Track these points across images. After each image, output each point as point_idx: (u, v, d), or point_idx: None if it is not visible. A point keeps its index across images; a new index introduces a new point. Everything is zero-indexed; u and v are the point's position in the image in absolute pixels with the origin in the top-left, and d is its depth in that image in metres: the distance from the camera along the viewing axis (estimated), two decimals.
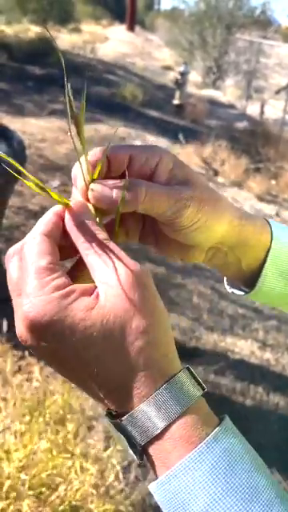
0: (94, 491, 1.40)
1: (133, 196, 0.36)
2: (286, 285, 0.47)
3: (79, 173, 0.37)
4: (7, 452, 1.28)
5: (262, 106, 7.59)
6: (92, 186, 0.37)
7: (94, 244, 0.34)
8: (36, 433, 1.45)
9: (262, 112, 7.56)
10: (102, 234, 0.35)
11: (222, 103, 9.60)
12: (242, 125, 7.28)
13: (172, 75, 9.50)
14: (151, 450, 0.32)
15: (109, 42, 14.11)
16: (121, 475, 1.56)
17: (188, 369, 0.34)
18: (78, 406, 1.74)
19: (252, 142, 6.02)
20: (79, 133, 0.37)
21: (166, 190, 0.38)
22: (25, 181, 0.37)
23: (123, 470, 1.59)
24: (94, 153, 0.37)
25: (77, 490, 1.33)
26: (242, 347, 2.48)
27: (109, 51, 12.02)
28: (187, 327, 2.51)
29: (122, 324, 0.32)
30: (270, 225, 0.46)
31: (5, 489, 1.21)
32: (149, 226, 0.44)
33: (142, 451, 0.32)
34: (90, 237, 0.34)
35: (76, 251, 0.36)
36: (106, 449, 1.63)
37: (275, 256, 0.45)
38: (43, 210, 3.36)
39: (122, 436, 0.33)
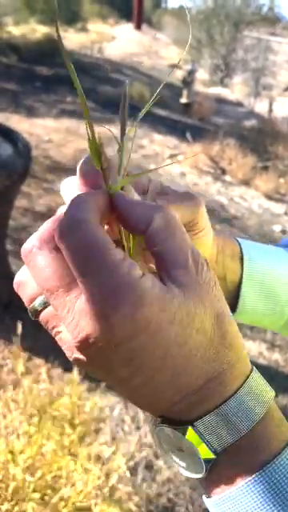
0: (99, 492, 1.40)
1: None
2: (269, 302, 0.46)
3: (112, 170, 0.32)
4: (13, 453, 1.29)
5: (271, 104, 7.54)
6: (126, 188, 0.33)
7: (167, 223, 0.29)
8: (42, 434, 1.45)
9: (270, 110, 7.50)
10: (170, 211, 0.30)
11: (229, 101, 9.54)
12: (250, 123, 7.24)
13: (179, 73, 9.46)
14: (223, 459, 0.29)
15: (116, 41, 14.10)
16: (128, 476, 1.56)
17: (253, 366, 0.32)
18: (86, 408, 1.75)
19: (260, 140, 5.98)
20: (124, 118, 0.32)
21: (179, 194, 0.37)
22: (91, 140, 0.31)
23: (130, 472, 1.59)
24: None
25: (81, 492, 1.33)
26: (250, 348, 2.47)
27: (116, 50, 12.01)
28: None
29: (211, 314, 0.29)
30: (235, 238, 0.47)
31: (10, 490, 1.22)
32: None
33: (213, 460, 0.29)
34: (162, 215, 0.29)
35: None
36: (112, 451, 1.63)
37: (250, 271, 0.45)
38: (50, 211, 3.37)
39: (191, 443, 0.29)
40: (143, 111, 0.33)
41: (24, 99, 6.36)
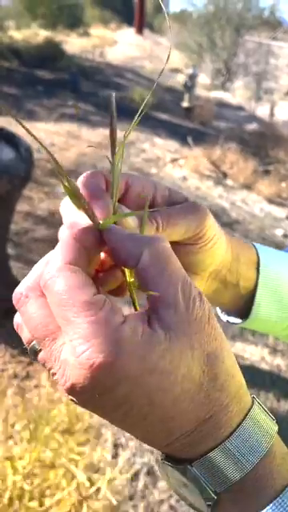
0: (99, 499, 1.39)
1: (153, 225, 0.34)
2: (279, 309, 0.46)
3: (101, 193, 0.33)
4: (11, 459, 1.28)
5: (272, 108, 7.54)
6: (118, 205, 0.33)
7: (155, 258, 0.29)
8: (41, 441, 1.44)
9: (271, 114, 7.51)
10: (161, 242, 0.30)
11: (231, 105, 9.56)
12: (251, 127, 7.24)
13: (181, 78, 9.48)
14: (226, 497, 0.28)
15: (118, 45, 14.15)
16: (129, 483, 1.55)
17: (254, 397, 0.31)
18: (87, 415, 1.73)
19: (262, 144, 5.98)
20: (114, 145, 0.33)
21: (183, 208, 0.37)
22: (64, 185, 0.31)
23: (132, 478, 1.58)
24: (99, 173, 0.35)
25: (69, 499, 1.31)
26: (252, 352, 2.45)
27: (118, 55, 12.05)
28: None
29: (199, 359, 0.28)
30: (253, 244, 0.46)
31: (6, 498, 1.21)
32: None
33: (214, 499, 0.29)
34: (150, 250, 0.29)
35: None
36: (113, 457, 1.61)
37: (265, 279, 0.45)
38: (51, 215, 3.37)
39: (190, 483, 0.29)
40: (133, 124, 0.33)
41: (25, 103, 6.38)
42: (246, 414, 0.29)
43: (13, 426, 1.57)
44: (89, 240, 0.30)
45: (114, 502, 1.41)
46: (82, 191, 0.33)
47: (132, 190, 0.37)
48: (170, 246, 0.30)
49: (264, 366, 2.38)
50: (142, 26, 18.41)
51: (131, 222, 0.33)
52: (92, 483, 1.41)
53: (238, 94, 10.43)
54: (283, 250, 0.55)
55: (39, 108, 6.28)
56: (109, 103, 0.32)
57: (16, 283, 0.31)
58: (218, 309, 0.50)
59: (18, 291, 0.30)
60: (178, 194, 0.39)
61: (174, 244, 0.37)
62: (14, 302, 0.30)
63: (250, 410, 0.30)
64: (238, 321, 0.47)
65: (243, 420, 0.29)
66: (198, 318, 0.28)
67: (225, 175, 5.09)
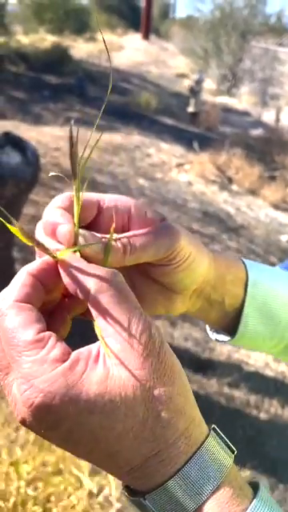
0: (102, 506, 1.39)
1: (119, 250, 0.34)
2: (267, 327, 0.45)
3: (64, 217, 0.33)
4: (15, 464, 1.27)
5: (278, 113, 7.55)
6: (82, 231, 0.33)
7: (104, 292, 0.29)
8: (45, 445, 1.44)
9: (277, 119, 7.51)
10: (112, 277, 0.30)
11: (236, 110, 9.57)
12: (257, 132, 7.24)
13: (187, 83, 9.51)
14: None
15: (124, 50, 14.22)
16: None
17: (214, 429, 0.31)
18: None
19: (267, 149, 5.98)
20: (74, 172, 0.34)
21: (152, 233, 0.36)
22: (11, 227, 0.32)
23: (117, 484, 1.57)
24: (65, 197, 0.36)
25: (77, 506, 1.31)
26: (257, 359, 2.45)
27: (124, 60, 12.11)
28: (201, 338, 2.49)
29: (143, 397, 0.27)
30: (242, 261, 0.46)
31: (11, 503, 1.20)
32: (128, 282, 0.42)
33: None
34: (102, 280, 0.30)
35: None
36: None
37: (253, 296, 0.44)
38: None
39: None
40: (93, 147, 0.34)
41: (32, 107, 6.42)
42: (196, 451, 0.29)
43: (17, 430, 1.57)
44: (45, 274, 0.31)
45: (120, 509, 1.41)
46: (43, 221, 0.34)
47: (105, 213, 0.37)
48: (122, 279, 0.31)
49: (268, 373, 2.37)
50: (148, 31, 18.51)
51: (95, 248, 0.33)
52: (100, 490, 1.40)
53: (243, 99, 10.44)
54: (278, 265, 0.55)
55: (46, 112, 6.31)
56: (70, 130, 0.33)
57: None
58: (206, 326, 0.50)
59: None
60: (155, 214, 0.38)
61: (147, 265, 0.37)
62: None
63: (201, 445, 0.29)
64: (226, 338, 0.47)
65: (191, 458, 0.28)
66: (145, 354, 0.28)
67: (230, 180, 5.09)
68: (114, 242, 0.34)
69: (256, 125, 8.09)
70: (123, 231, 0.37)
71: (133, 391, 0.27)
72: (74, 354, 0.28)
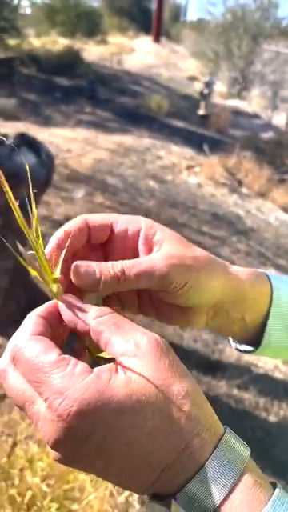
0: (114, 506, 1.40)
1: (118, 276, 0.37)
2: None
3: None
4: (30, 461, 1.29)
5: None
6: (74, 266, 0.37)
7: (104, 322, 0.33)
8: None
9: (287, 122, 7.49)
10: (107, 311, 0.34)
11: (247, 113, 9.56)
12: (267, 135, 7.23)
13: (197, 86, 9.53)
14: None
15: (135, 53, 14.26)
16: None
17: (227, 427, 0.33)
18: None
19: (277, 152, 5.97)
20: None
21: (145, 264, 0.38)
22: (26, 265, 0.35)
23: None
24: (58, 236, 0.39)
25: (94, 504, 1.32)
26: (266, 361, 2.45)
27: (135, 62, 12.15)
28: (210, 340, 2.49)
29: (164, 394, 0.30)
30: (267, 276, 0.46)
31: (27, 498, 1.22)
32: (145, 296, 0.44)
33: None
34: (98, 316, 0.34)
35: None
36: None
37: (278, 308, 0.45)
38: (68, 219, 3.40)
39: None
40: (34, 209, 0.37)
41: (44, 109, 6.47)
42: (219, 441, 0.31)
43: (32, 425, 1.59)
44: (50, 315, 0.35)
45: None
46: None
47: (117, 235, 0.40)
48: (115, 313, 0.34)
49: (278, 375, 2.37)
50: (159, 34, 18.55)
51: (89, 276, 0.37)
52: (121, 490, 1.40)
53: (254, 102, 10.42)
54: None
55: (57, 114, 6.36)
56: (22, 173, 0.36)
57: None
58: (230, 340, 0.51)
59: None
60: (163, 232, 0.41)
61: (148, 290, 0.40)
62: None
63: (222, 436, 0.31)
64: (249, 348, 0.48)
65: (216, 447, 0.30)
66: (158, 358, 0.31)
67: (240, 183, 5.09)
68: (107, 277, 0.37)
69: (266, 128, 8.07)
70: (134, 251, 0.41)
71: (155, 391, 0.30)
72: (98, 368, 0.31)
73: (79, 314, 0.34)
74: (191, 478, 0.30)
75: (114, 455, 0.29)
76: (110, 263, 0.37)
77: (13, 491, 1.26)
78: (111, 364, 0.31)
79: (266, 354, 0.48)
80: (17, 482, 1.24)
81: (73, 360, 0.31)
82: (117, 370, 0.30)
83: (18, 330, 0.34)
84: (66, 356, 0.31)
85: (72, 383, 0.29)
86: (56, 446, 0.29)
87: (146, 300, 0.44)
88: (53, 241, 0.39)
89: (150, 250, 0.41)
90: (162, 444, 0.29)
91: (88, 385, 0.29)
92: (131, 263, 0.38)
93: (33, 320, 0.34)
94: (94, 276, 0.37)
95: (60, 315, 0.35)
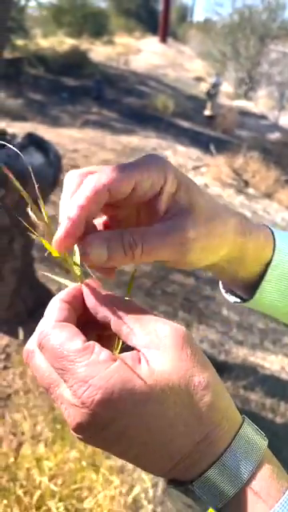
0: (122, 505, 1.40)
1: (129, 257, 0.35)
2: (283, 297, 0.47)
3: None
4: (38, 460, 1.29)
5: None
6: (82, 248, 0.35)
7: (126, 313, 0.33)
8: (67, 441, 1.45)
9: None
10: (128, 302, 0.34)
11: (253, 114, 9.54)
12: (274, 136, 7.21)
13: (204, 86, 9.52)
14: (230, 509, 0.30)
15: (141, 53, 14.27)
16: (151, 489, 1.55)
17: (245, 417, 0.33)
18: None
19: (284, 153, 5.95)
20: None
21: (164, 240, 0.36)
22: (48, 245, 0.35)
23: (153, 484, 1.58)
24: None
25: (103, 504, 1.32)
26: (273, 362, 2.44)
27: (141, 63, 12.16)
28: (216, 340, 2.49)
29: (186, 384, 0.30)
30: (273, 236, 0.47)
31: (35, 498, 1.22)
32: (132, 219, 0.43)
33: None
34: (120, 307, 0.34)
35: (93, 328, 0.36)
36: None
37: (276, 268, 0.46)
38: None
39: (194, 503, 0.31)
40: None
41: (50, 109, 6.49)
42: (238, 431, 0.31)
43: (38, 425, 1.60)
44: (74, 299, 0.35)
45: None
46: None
47: (138, 190, 0.36)
48: (134, 305, 0.34)
49: (284, 376, 2.36)
50: (165, 34, 18.55)
51: (98, 257, 0.35)
52: (129, 490, 1.40)
53: (260, 103, 10.40)
54: None
55: (64, 114, 6.37)
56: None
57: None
58: (220, 286, 0.52)
59: (26, 348, 0.35)
60: (185, 194, 0.38)
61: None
62: (23, 357, 0.35)
63: (241, 426, 0.32)
64: (237, 299, 0.50)
65: (235, 436, 0.31)
66: (180, 348, 0.31)
67: (246, 184, 5.08)
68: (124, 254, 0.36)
69: (273, 128, 8.05)
70: (150, 203, 0.37)
71: (178, 381, 0.30)
72: (122, 356, 0.31)
73: (101, 302, 0.34)
74: (209, 467, 0.30)
75: (134, 442, 0.30)
76: (125, 241, 0.35)
77: (20, 491, 1.26)
78: (134, 352, 0.32)
79: (254, 307, 0.49)
80: (24, 482, 1.25)
81: (97, 347, 0.31)
82: (140, 360, 0.31)
83: (45, 315, 0.34)
84: (91, 343, 0.31)
85: (96, 371, 0.29)
86: (78, 429, 0.30)
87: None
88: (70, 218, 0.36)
89: (167, 211, 0.38)
90: (182, 434, 0.30)
91: (112, 373, 0.29)
92: (151, 246, 0.35)
93: (57, 305, 0.34)
94: (106, 263, 0.35)
95: (83, 299, 0.36)
